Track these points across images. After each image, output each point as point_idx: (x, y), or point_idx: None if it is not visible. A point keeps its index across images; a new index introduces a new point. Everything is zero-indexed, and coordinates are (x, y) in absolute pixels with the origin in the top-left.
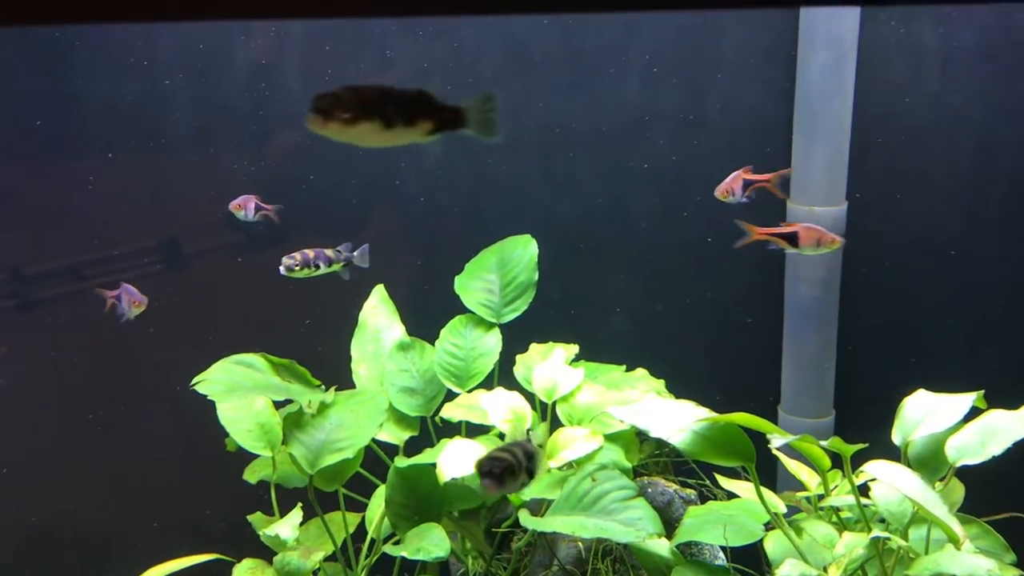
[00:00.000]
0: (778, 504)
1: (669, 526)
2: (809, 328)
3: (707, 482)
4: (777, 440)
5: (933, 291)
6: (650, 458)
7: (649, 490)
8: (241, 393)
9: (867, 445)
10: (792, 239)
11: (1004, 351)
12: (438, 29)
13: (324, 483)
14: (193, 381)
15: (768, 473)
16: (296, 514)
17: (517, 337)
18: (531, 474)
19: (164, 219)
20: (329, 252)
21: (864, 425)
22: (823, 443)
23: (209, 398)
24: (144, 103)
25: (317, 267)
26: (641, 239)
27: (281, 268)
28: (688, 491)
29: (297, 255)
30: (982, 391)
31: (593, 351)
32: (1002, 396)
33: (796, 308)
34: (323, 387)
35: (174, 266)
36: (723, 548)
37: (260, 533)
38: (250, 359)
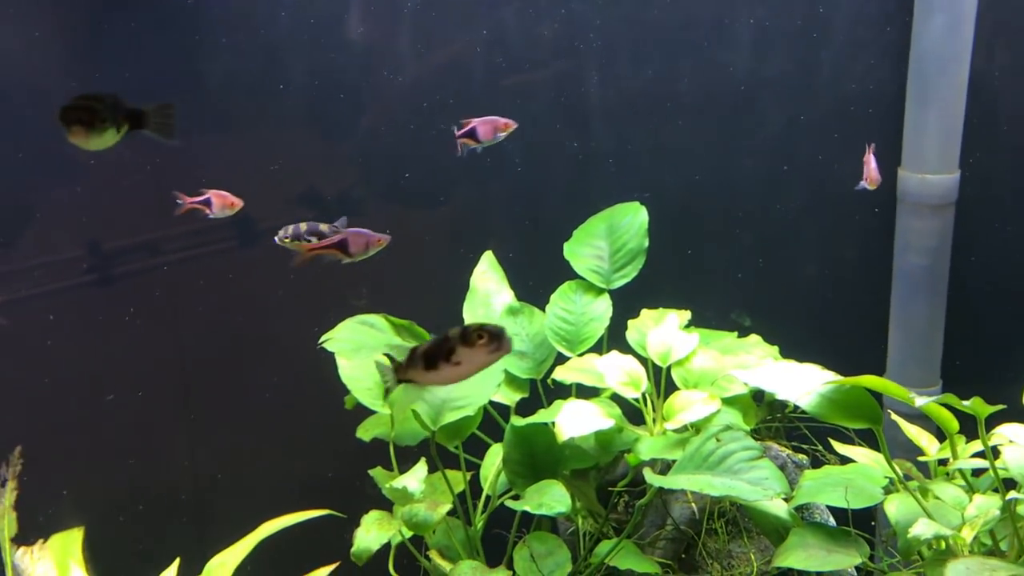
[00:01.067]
0: (896, 469)
1: None
2: (918, 297)
3: (819, 447)
4: (919, 399)
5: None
6: (762, 423)
7: None
8: (366, 352)
9: (1005, 406)
10: None
11: None
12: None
13: (445, 439)
14: (321, 339)
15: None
16: (422, 467)
17: (624, 303)
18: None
19: (280, 190)
20: (323, 227)
21: (972, 395)
22: (965, 403)
23: (337, 356)
24: (257, 80)
25: (309, 240)
26: (748, 207)
27: (275, 238)
28: (800, 456)
29: (289, 227)
30: None
31: (700, 318)
32: None
33: (905, 277)
34: None
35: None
36: (833, 512)
37: (384, 487)
38: (372, 319)
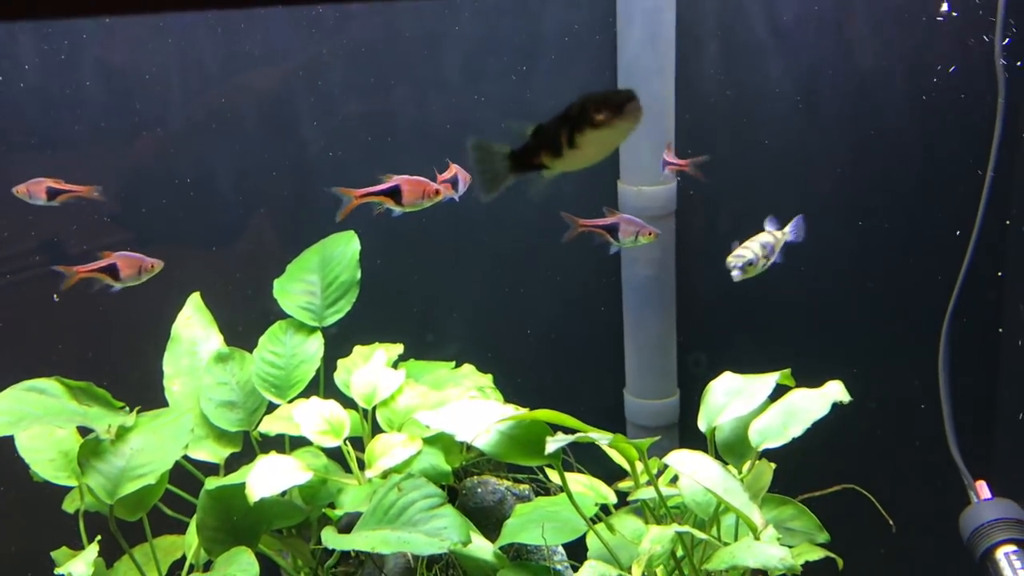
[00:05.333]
0: (608, 494)
1: (500, 526)
2: (648, 309)
3: (540, 477)
4: (552, 443)
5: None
6: (481, 456)
7: (479, 489)
8: (27, 423)
9: (658, 438)
10: None
11: (843, 325)
12: (252, 18)
13: (127, 512)
14: None
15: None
16: (92, 549)
17: (352, 341)
18: None
19: None
20: None
21: None
22: (604, 440)
23: None
24: None
25: None
26: (476, 230)
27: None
28: (522, 487)
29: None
30: (788, 369)
31: (432, 349)
32: (840, 371)
33: (634, 290)
34: (127, 409)
35: None
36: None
37: (60, 570)
38: (43, 384)
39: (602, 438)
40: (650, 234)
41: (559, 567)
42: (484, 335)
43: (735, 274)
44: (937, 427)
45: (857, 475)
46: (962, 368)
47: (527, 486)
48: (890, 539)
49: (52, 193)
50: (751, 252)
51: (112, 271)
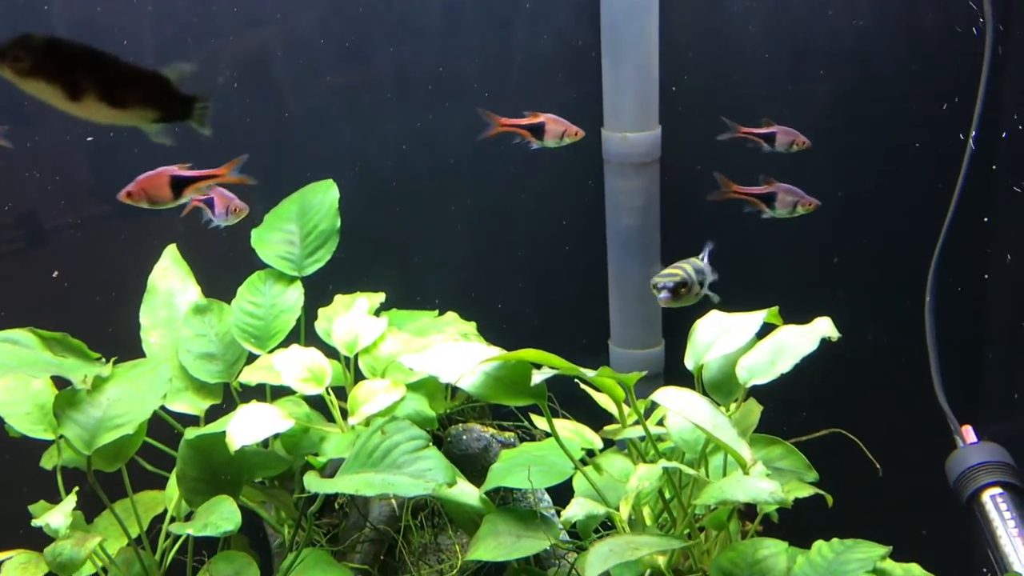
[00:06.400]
0: (593, 439)
1: (486, 473)
2: (631, 258)
3: (526, 424)
4: (538, 376)
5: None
6: (466, 403)
7: (464, 437)
8: (3, 372)
9: (645, 372)
10: None
11: (830, 272)
12: None
13: (105, 463)
14: None
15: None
16: (70, 500)
17: (332, 291)
18: None
19: None
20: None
21: None
22: (589, 373)
23: None
24: None
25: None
26: (456, 177)
27: None
28: (507, 435)
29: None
30: (776, 307)
31: (414, 298)
32: (827, 311)
33: (617, 239)
34: (104, 360)
35: None
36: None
37: (37, 522)
38: (16, 335)
39: (588, 372)
40: (809, 204)
41: (545, 513)
42: (467, 285)
43: (663, 296)
44: (923, 372)
45: (844, 420)
46: (948, 313)
47: (512, 433)
48: (877, 483)
49: None
50: (683, 272)
51: (212, 205)
